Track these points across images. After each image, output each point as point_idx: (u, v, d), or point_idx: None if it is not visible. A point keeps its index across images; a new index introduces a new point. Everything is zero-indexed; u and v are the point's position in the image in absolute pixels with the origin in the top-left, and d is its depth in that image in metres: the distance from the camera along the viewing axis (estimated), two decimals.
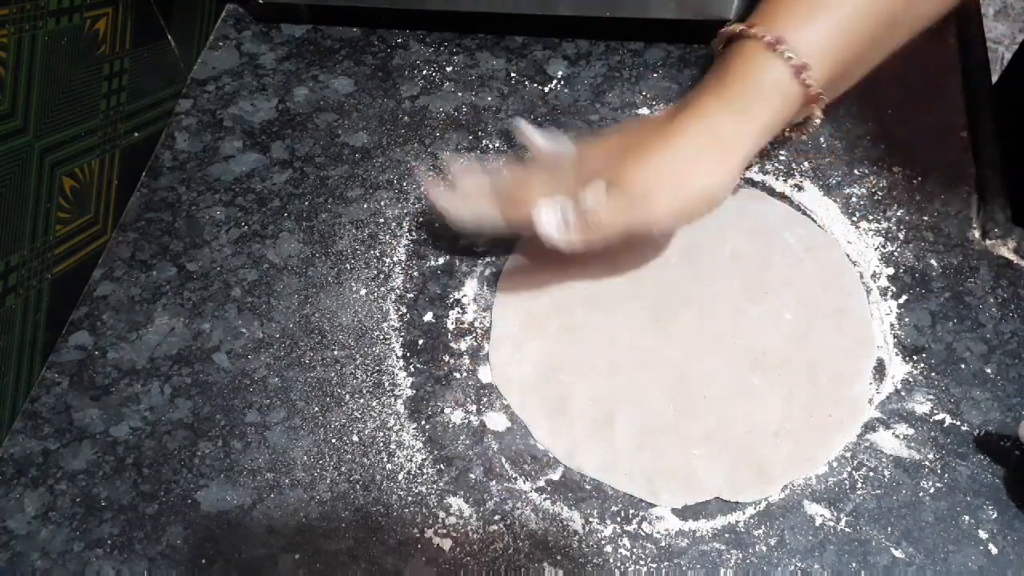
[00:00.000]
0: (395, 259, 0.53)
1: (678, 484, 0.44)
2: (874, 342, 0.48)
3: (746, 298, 0.50)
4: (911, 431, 0.45)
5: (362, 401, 0.48)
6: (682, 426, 0.46)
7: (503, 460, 0.46)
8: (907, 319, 0.49)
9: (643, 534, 0.43)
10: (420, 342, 0.50)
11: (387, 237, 0.54)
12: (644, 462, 0.45)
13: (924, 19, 0.44)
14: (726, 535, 0.43)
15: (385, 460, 0.46)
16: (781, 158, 0.56)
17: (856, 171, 0.55)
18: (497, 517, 0.44)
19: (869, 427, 0.45)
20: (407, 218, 0.55)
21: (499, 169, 0.49)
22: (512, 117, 0.59)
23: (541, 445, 0.46)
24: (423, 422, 0.47)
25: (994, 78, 0.63)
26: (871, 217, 0.53)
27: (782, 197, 0.54)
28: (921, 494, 0.43)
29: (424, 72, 0.63)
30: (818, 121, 0.45)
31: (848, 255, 0.51)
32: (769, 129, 0.43)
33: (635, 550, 0.43)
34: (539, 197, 0.45)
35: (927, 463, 0.44)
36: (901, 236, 0.52)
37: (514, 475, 0.45)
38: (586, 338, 0.49)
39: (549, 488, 0.45)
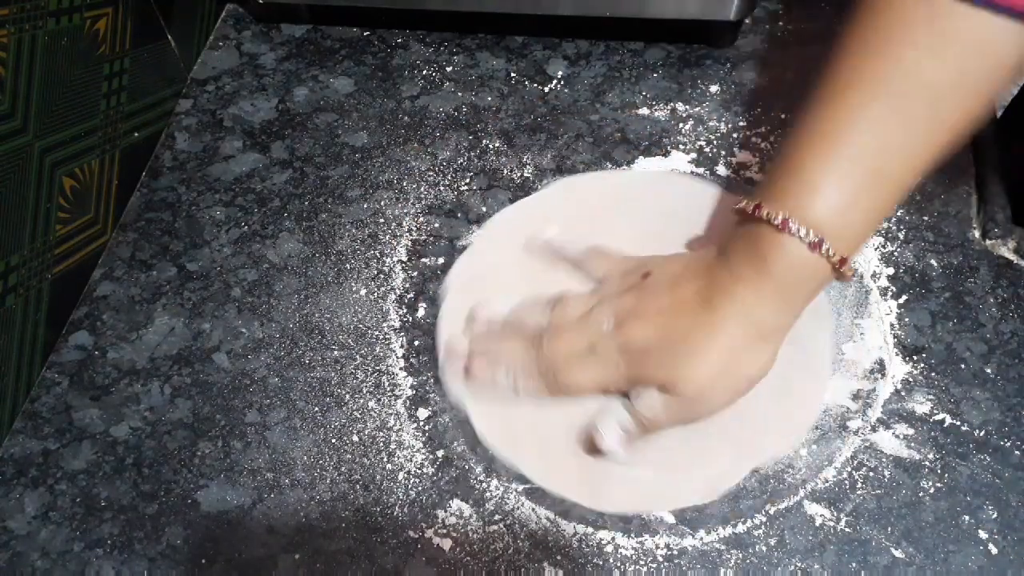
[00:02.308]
0: (395, 259, 0.53)
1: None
2: (827, 370, 0.48)
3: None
4: (911, 431, 0.45)
5: (362, 401, 0.48)
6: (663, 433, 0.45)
7: (503, 460, 0.46)
8: (907, 319, 0.49)
9: (643, 534, 0.43)
10: (420, 342, 0.50)
11: (387, 237, 0.54)
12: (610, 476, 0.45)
13: (948, 147, 0.41)
14: (726, 535, 0.43)
15: (385, 460, 0.46)
16: None
17: None
18: (497, 517, 0.44)
19: (869, 427, 0.45)
20: (407, 218, 0.55)
21: (506, 337, 0.48)
22: (512, 117, 0.59)
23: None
24: (423, 422, 0.47)
25: None
26: None
27: None
28: (921, 494, 0.43)
29: (424, 72, 0.63)
30: (852, 271, 0.42)
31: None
32: (805, 304, 0.42)
33: (635, 550, 0.43)
34: (584, 383, 0.45)
35: (927, 463, 0.44)
36: (901, 236, 0.52)
37: (514, 475, 0.45)
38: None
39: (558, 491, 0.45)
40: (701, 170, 0.56)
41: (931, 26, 0.38)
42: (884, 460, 0.44)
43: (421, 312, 0.51)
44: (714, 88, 0.60)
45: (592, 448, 0.44)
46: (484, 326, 0.49)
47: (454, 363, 0.48)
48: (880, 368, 0.47)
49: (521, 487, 0.45)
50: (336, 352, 0.50)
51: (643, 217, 0.53)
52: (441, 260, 0.53)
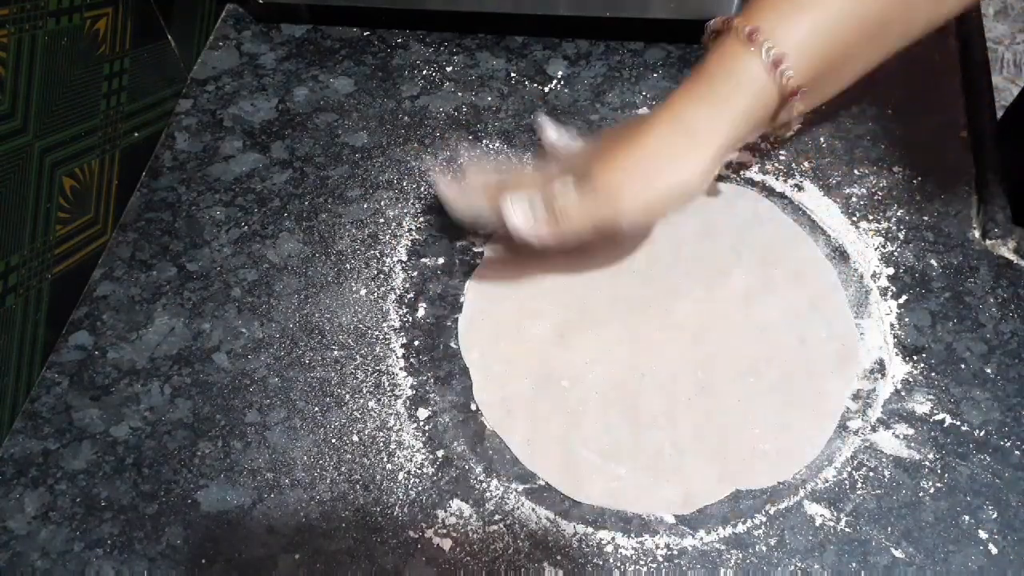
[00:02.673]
0: (395, 259, 0.53)
1: (664, 493, 0.44)
2: (855, 352, 0.48)
3: (721, 301, 0.50)
4: (911, 431, 0.45)
5: (362, 401, 0.48)
6: (654, 435, 0.46)
7: (503, 460, 0.46)
8: (907, 319, 0.49)
9: (643, 534, 0.43)
10: (420, 342, 0.50)
11: (387, 237, 0.54)
12: (618, 474, 0.45)
13: (920, 25, 0.43)
14: (726, 535, 0.43)
15: (385, 460, 0.46)
16: (781, 158, 0.56)
17: (856, 171, 0.55)
18: (497, 517, 0.44)
19: (869, 427, 0.45)
20: (407, 218, 0.55)
21: (509, 168, 0.49)
22: (512, 117, 0.59)
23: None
24: (423, 422, 0.47)
25: (994, 78, 0.63)
26: (871, 217, 0.53)
27: (782, 197, 0.54)
28: (921, 494, 0.43)
29: (424, 72, 0.63)
30: (797, 125, 0.44)
31: (840, 254, 0.51)
32: (745, 122, 0.42)
33: (635, 550, 0.43)
34: (520, 183, 0.45)
35: (927, 463, 0.44)
36: (901, 236, 0.52)
37: (514, 475, 0.45)
38: (557, 344, 0.49)
39: (549, 488, 0.45)
40: None
41: None
42: (884, 460, 0.44)
43: (421, 312, 0.51)
44: None
45: (503, 227, 0.44)
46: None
47: (439, 179, 0.49)
48: (880, 368, 0.47)
49: (521, 487, 0.45)
50: (336, 352, 0.50)
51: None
52: (441, 260, 0.53)
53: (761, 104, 0.42)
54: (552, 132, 0.48)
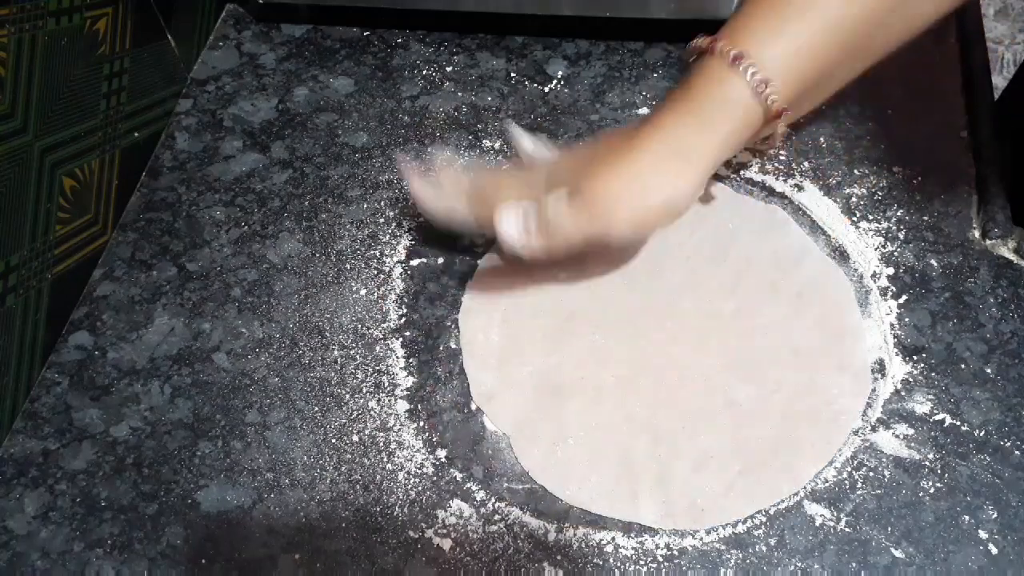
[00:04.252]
0: (395, 259, 0.53)
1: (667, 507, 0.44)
2: (865, 366, 0.47)
3: (722, 312, 0.49)
4: (911, 431, 0.45)
5: (362, 401, 0.48)
6: (669, 451, 0.45)
7: (503, 460, 0.46)
8: (907, 319, 0.49)
9: (643, 534, 0.43)
10: (420, 342, 0.50)
11: (387, 237, 0.54)
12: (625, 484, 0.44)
13: (899, 37, 0.44)
14: (726, 535, 0.43)
15: (385, 460, 0.46)
16: (781, 158, 0.56)
17: (856, 171, 0.55)
18: (497, 517, 0.44)
19: (869, 427, 0.45)
20: (407, 218, 0.55)
21: (481, 169, 0.49)
22: (512, 117, 0.59)
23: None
24: (423, 422, 0.47)
25: (994, 78, 0.63)
26: (871, 217, 0.53)
27: (782, 197, 0.54)
28: (921, 494, 0.43)
29: (424, 72, 0.63)
30: (780, 139, 0.45)
31: (840, 254, 0.51)
32: (731, 143, 0.43)
33: (635, 550, 0.43)
34: (506, 200, 0.45)
35: (927, 463, 0.44)
36: (901, 236, 0.52)
37: (514, 475, 0.45)
38: (556, 347, 0.49)
39: (549, 488, 0.45)
40: None
41: None
42: (884, 460, 0.44)
43: (421, 312, 0.51)
44: None
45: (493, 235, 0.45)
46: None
47: (411, 175, 0.49)
48: (880, 368, 0.47)
49: (521, 487, 0.45)
50: (336, 352, 0.50)
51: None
52: (441, 260, 0.53)
53: (747, 125, 0.43)
54: (528, 142, 0.49)
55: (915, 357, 0.48)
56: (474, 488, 0.45)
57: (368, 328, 0.51)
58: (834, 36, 0.41)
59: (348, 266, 0.53)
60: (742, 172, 0.55)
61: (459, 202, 0.47)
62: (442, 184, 0.48)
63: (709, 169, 0.43)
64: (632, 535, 0.43)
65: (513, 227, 0.44)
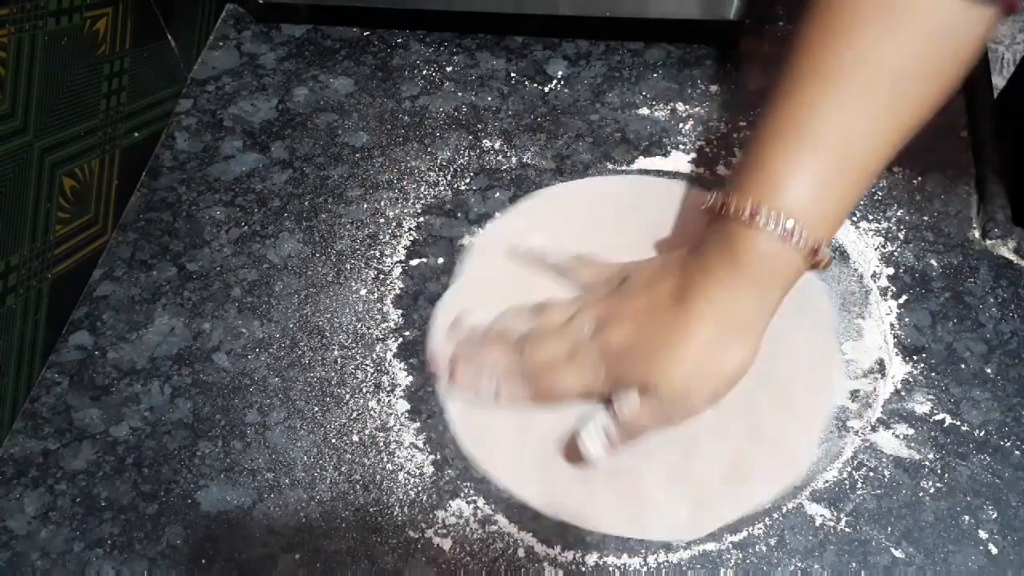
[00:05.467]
0: (395, 259, 0.53)
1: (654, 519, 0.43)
2: (840, 369, 0.47)
3: None
4: (911, 431, 0.45)
5: (362, 401, 0.48)
6: (648, 460, 0.45)
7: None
8: (907, 319, 0.49)
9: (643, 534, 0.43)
10: (420, 342, 0.50)
11: (387, 237, 0.54)
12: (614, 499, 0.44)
13: (912, 130, 0.41)
14: (726, 535, 0.43)
15: (385, 460, 0.46)
16: None
17: None
18: (497, 517, 0.44)
19: (869, 427, 0.45)
20: (407, 218, 0.55)
21: (506, 341, 0.47)
22: (512, 117, 0.59)
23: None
24: (423, 422, 0.47)
25: (994, 78, 0.63)
26: (871, 217, 0.53)
27: None
28: (921, 494, 0.43)
29: (424, 72, 0.63)
30: (827, 259, 0.43)
31: (840, 254, 0.51)
32: (780, 297, 0.42)
33: (635, 550, 0.42)
34: (567, 388, 0.44)
35: (927, 463, 0.44)
36: (901, 236, 0.52)
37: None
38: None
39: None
40: (701, 170, 0.56)
41: (889, 11, 0.38)
42: (884, 460, 0.44)
43: (421, 312, 0.51)
44: (714, 88, 0.60)
45: (574, 455, 0.44)
46: (467, 332, 0.48)
47: (439, 369, 0.48)
48: (880, 368, 0.47)
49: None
50: (336, 352, 0.50)
51: (633, 225, 0.52)
52: (441, 260, 0.53)
53: (793, 274, 0.42)
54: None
55: (915, 357, 0.48)
56: (474, 488, 0.45)
57: (368, 328, 0.51)
58: (850, 165, 0.40)
59: (348, 266, 0.53)
60: None
61: (512, 393, 0.46)
62: (487, 370, 0.46)
63: (766, 327, 0.42)
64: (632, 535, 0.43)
65: (599, 448, 0.43)
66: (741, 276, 0.41)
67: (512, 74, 0.62)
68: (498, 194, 0.56)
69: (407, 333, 0.50)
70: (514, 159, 0.57)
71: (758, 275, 0.41)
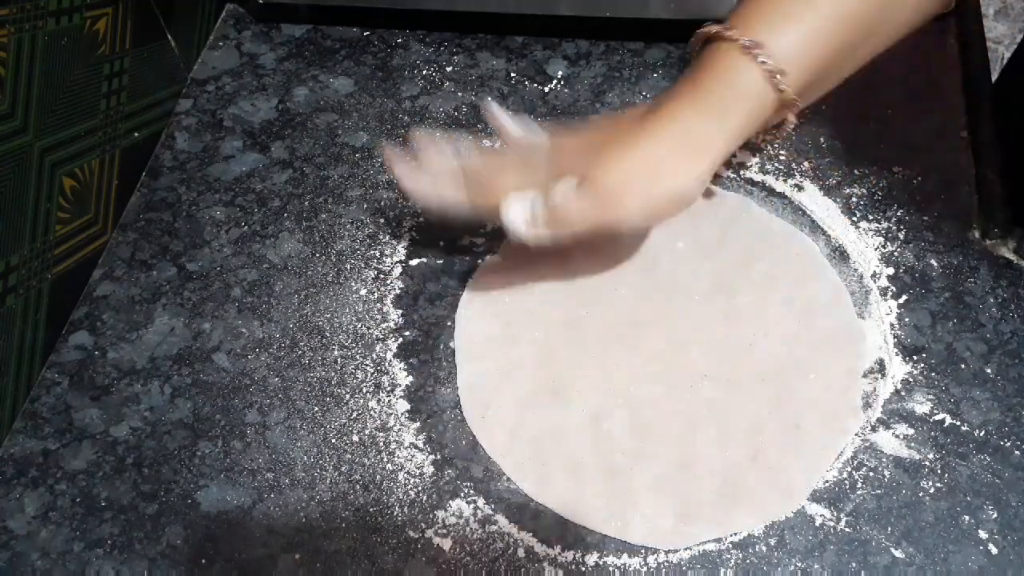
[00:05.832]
0: (395, 259, 0.53)
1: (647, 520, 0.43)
2: (857, 376, 0.47)
3: (722, 316, 0.49)
4: (911, 431, 0.45)
5: (362, 401, 0.48)
6: (644, 463, 0.45)
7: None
8: (907, 319, 0.49)
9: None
10: (420, 342, 0.50)
11: (387, 237, 0.54)
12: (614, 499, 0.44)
13: (900, 29, 0.43)
14: (726, 535, 0.43)
15: (385, 460, 0.46)
16: (781, 158, 0.56)
17: (856, 171, 0.55)
18: (497, 517, 0.44)
19: (869, 427, 0.45)
20: (407, 218, 0.55)
21: (468, 150, 0.47)
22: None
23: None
24: (423, 422, 0.47)
25: (994, 78, 0.63)
26: (871, 217, 0.53)
27: (782, 197, 0.54)
28: (921, 494, 0.43)
29: (424, 72, 0.63)
30: (791, 126, 0.44)
31: (840, 254, 0.51)
32: (742, 132, 0.43)
33: (635, 551, 0.42)
34: (510, 188, 0.44)
35: (927, 463, 0.44)
36: (901, 236, 0.52)
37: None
38: (549, 360, 0.48)
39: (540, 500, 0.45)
40: None
41: None
42: (884, 460, 0.44)
43: (421, 312, 0.51)
44: None
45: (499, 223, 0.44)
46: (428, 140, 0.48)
47: (396, 164, 0.47)
48: (880, 368, 0.47)
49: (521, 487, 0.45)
50: (336, 352, 0.50)
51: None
52: (441, 260, 0.53)
53: (758, 115, 0.42)
54: (514, 126, 0.47)
55: (915, 357, 0.48)
56: (473, 488, 0.45)
57: (368, 328, 0.51)
58: (843, 23, 0.41)
59: (348, 266, 0.53)
60: (742, 172, 0.55)
61: (453, 190, 0.46)
62: (431, 171, 0.47)
63: (720, 159, 0.43)
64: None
65: (520, 218, 0.43)
66: (703, 92, 0.42)
67: (512, 74, 0.62)
68: None
69: (407, 333, 0.50)
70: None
71: (728, 102, 0.41)
